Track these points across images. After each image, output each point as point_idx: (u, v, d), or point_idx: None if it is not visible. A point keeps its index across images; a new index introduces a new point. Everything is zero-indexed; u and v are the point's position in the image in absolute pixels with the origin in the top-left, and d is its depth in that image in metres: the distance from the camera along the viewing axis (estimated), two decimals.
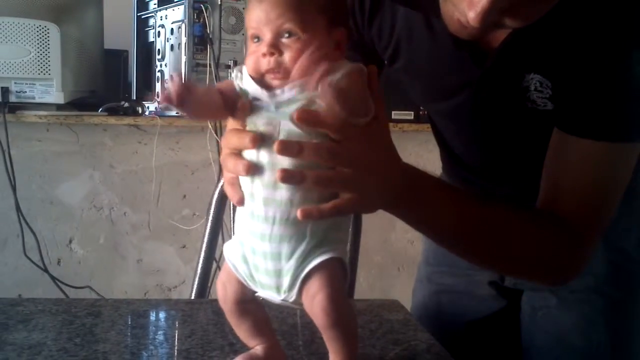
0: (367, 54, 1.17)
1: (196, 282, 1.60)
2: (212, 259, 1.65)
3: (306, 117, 0.82)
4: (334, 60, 0.87)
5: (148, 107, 2.69)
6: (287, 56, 0.86)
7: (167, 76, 2.62)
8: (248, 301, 0.94)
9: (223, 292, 0.94)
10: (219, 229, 1.66)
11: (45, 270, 2.65)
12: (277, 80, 0.87)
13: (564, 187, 1.04)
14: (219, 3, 2.53)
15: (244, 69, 0.89)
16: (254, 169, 0.86)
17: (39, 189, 2.73)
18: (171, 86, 0.84)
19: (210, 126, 2.52)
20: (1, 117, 2.52)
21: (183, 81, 0.84)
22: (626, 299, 1.24)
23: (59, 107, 2.60)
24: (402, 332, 1.22)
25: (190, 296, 1.61)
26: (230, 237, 0.94)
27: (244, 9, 2.51)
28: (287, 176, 0.83)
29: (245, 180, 0.88)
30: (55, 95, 2.54)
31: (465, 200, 1.03)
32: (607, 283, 1.22)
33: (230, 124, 0.89)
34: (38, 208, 2.71)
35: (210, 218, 1.66)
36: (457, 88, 1.13)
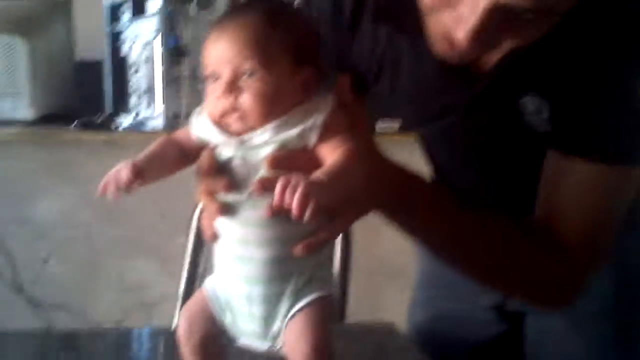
0: (353, 73, 1.11)
1: (178, 307, 1.54)
2: (195, 280, 1.61)
3: (281, 164, 0.80)
4: (300, 101, 0.83)
5: (122, 123, 2.63)
6: (245, 97, 0.81)
7: (141, 88, 2.57)
8: (213, 340, 0.88)
9: (187, 327, 0.88)
10: (201, 247, 1.62)
11: (21, 290, 2.59)
12: (235, 123, 0.82)
13: (559, 209, 1.01)
14: (194, 15, 2.49)
15: (202, 116, 0.85)
16: (226, 211, 0.83)
17: (11, 208, 2.65)
18: (121, 178, 0.81)
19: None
20: None
21: (131, 171, 0.81)
22: (636, 322, 1.20)
23: (29, 123, 2.53)
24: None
25: (173, 322, 1.55)
26: (211, 256, 0.90)
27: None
28: (276, 211, 0.78)
29: (222, 221, 0.84)
30: (25, 110, 2.48)
31: (461, 207, 1.01)
32: (617, 306, 1.19)
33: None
34: (11, 227, 2.64)
35: (192, 235, 1.62)
36: (445, 110, 1.08)
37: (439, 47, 0.95)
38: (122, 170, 0.81)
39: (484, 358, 1.32)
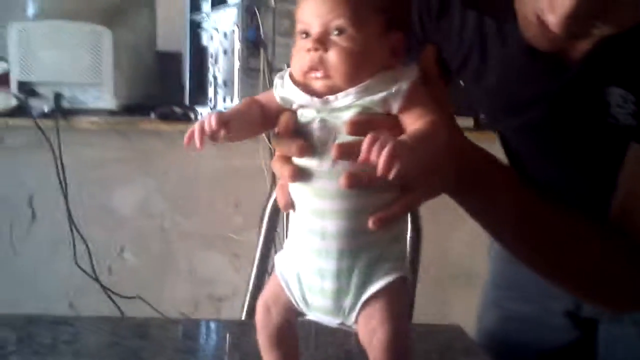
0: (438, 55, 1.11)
1: (247, 300, 1.56)
2: (265, 273, 1.61)
3: (362, 128, 0.77)
4: (386, 67, 0.81)
5: (201, 113, 2.65)
6: (332, 54, 0.80)
7: (220, 81, 2.59)
8: (289, 329, 0.87)
9: (266, 316, 0.86)
10: (272, 241, 1.62)
11: (96, 279, 2.64)
12: (319, 81, 0.81)
13: (637, 205, 0.98)
14: (273, 6, 2.48)
15: (286, 75, 0.83)
16: (300, 176, 0.80)
17: (91, 196, 2.71)
18: (206, 126, 0.78)
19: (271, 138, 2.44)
20: (53, 122, 2.50)
21: (217, 121, 0.78)
22: None
23: (111, 112, 2.58)
24: None
25: (242, 313, 1.57)
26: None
27: None
28: (355, 181, 0.77)
29: (296, 190, 0.83)
30: (107, 100, 2.53)
31: (535, 194, 0.98)
32: None
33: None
34: (90, 215, 2.69)
35: (264, 229, 1.62)
36: (532, 102, 1.06)
37: (529, 31, 0.93)
38: (207, 119, 0.79)
39: None
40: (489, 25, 1.05)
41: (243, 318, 1.51)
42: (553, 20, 0.85)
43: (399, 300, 0.81)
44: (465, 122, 2.46)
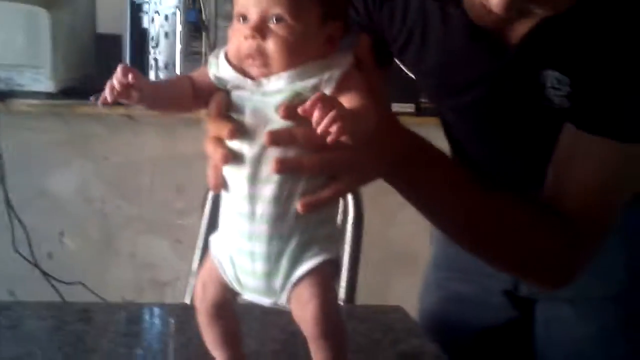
0: (375, 42, 1.12)
1: (191, 284, 1.55)
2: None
3: (294, 113, 0.77)
4: (321, 55, 0.83)
5: None
6: (270, 42, 0.80)
7: (160, 64, 2.57)
8: (226, 305, 0.89)
9: (202, 292, 0.89)
10: (215, 225, 1.62)
11: (36, 265, 2.62)
12: (256, 67, 0.82)
13: (570, 185, 1.01)
14: None
15: (221, 55, 0.84)
16: (231, 159, 0.81)
17: (29, 180, 2.67)
18: (114, 78, 0.79)
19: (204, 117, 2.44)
20: None
21: (127, 73, 0.79)
22: None
23: (49, 95, 2.53)
24: (407, 341, 1.19)
25: (185, 297, 1.57)
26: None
27: None
28: (284, 166, 0.79)
29: (227, 173, 0.83)
30: (45, 83, 2.49)
31: (468, 178, 1.00)
32: (628, 292, 1.18)
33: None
34: (28, 200, 2.66)
35: (206, 214, 1.62)
36: (472, 83, 1.09)
37: (474, 12, 0.95)
38: (117, 73, 0.79)
39: (492, 343, 1.31)
40: (432, 7, 1.06)
41: (187, 302, 1.51)
42: (495, 1, 0.87)
43: (327, 280, 0.84)
44: (406, 107, 2.50)
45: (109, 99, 0.79)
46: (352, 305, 1.47)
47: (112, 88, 0.79)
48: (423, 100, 2.51)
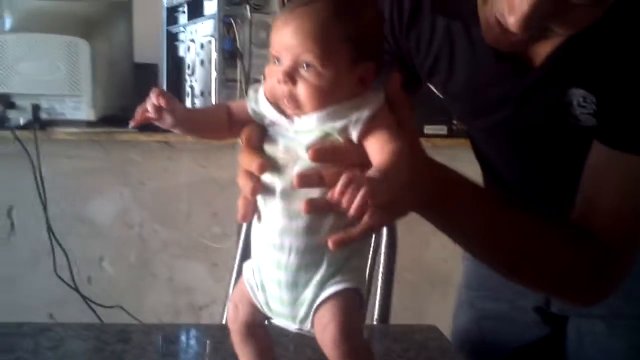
0: (404, 67, 1.14)
1: (226, 305, 1.57)
2: None
3: (322, 156, 0.80)
4: (353, 95, 0.83)
5: None
6: (300, 88, 0.82)
7: (196, 91, 2.61)
8: (257, 326, 0.91)
9: (234, 313, 0.91)
10: (250, 248, 1.63)
11: (76, 289, 2.64)
12: (290, 110, 0.84)
13: (600, 203, 1.01)
14: (249, 17, 2.50)
15: (260, 90, 0.86)
16: (261, 192, 0.83)
17: (70, 207, 2.71)
18: (148, 101, 0.82)
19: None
20: (32, 134, 2.51)
21: (159, 96, 0.82)
22: None
23: (89, 123, 2.59)
24: (441, 359, 1.18)
25: (222, 319, 1.58)
26: None
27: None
28: (314, 207, 0.80)
29: (260, 208, 0.85)
30: (85, 111, 2.54)
31: (498, 204, 1.01)
32: None
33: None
34: (69, 226, 2.69)
35: (242, 237, 1.63)
36: (498, 103, 1.10)
37: (491, 34, 0.96)
38: (151, 96, 0.83)
39: (525, 359, 1.31)
40: (457, 30, 1.08)
41: (223, 323, 1.52)
42: (512, 21, 0.88)
43: (349, 305, 0.84)
44: (438, 130, 2.51)
45: (137, 118, 0.83)
46: (386, 325, 1.48)
47: (144, 110, 0.83)
48: (455, 122, 2.51)
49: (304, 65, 0.82)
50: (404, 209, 0.90)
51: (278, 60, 0.83)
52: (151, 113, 0.83)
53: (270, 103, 0.85)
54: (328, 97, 0.82)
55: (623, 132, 0.99)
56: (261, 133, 0.86)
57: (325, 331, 0.83)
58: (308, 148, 0.81)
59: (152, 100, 0.83)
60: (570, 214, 1.03)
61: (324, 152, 0.80)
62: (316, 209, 0.80)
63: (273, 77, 0.84)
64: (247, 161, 0.84)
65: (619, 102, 0.98)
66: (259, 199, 0.85)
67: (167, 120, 0.84)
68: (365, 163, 0.80)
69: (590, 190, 1.02)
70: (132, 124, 0.84)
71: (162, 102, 0.83)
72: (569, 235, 1.01)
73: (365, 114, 0.82)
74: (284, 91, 0.83)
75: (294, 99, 0.82)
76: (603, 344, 1.21)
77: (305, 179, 0.80)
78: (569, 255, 1.01)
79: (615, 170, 1.00)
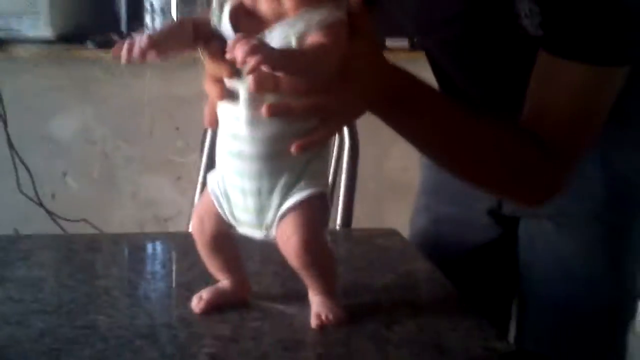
0: None
1: (192, 220, 1.59)
2: None
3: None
4: (318, 3, 0.84)
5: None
6: None
7: (156, 8, 2.58)
8: (224, 236, 0.93)
9: (200, 225, 0.93)
10: (214, 161, 1.65)
11: (40, 204, 2.66)
12: (268, 2, 0.84)
13: (547, 108, 1.04)
14: None
15: (225, 10, 0.86)
16: (227, 97, 0.85)
17: (31, 125, 2.71)
18: (136, 46, 0.81)
19: (202, 58, 2.44)
20: None
21: (148, 42, 0.81)
22: (626, 225, 1.23)
23: (47, 42, 2.56)
24: (401, 260, 1.22)
25: (188, 228, 1.61)
26: None
27: None
28: (274, 110, 0.82)
29: (221, 117, 0.87)
30: (43, 29, 2.51)
31: (455, 107, 1.02)
32: (607, 209, 1.22)
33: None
34: (31, 143, 2.69)
35: (205, 151, 1.65)
36: (449, 19, 1.12)
37: None
38: (139, 40, 0.81)
39: (479, 259, 1.35)
40: None
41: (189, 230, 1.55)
42: None
43: (314, 212, 0.88)
44: (400, 43, 2.53)
45: (124, 60, 0.81)
46: (348, 229, 1.53)
47: (131, 51, 0.81)
48: None
49: None
50: (358, 109, 0.92)
51: None
52: (137, 56, 0.81)
53: (233, 26, 0.85)
54: None
55: (565, 40, 1.01)
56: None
57: (288, 243, 0.87)
58: None
59: (142, 46, 0.80)
60: (519, 121, 1.06)
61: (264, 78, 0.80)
62: (276, 111, 0.82)
63: None
64: (216, 68, 0.85)
65: (561, 11, 1.00)
66: (222, 107, 0.87)
67: (150, 57, 0.82)
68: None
69: (537, 97, 1.05)
70: (114, 54, 0.82)
71: (150, 48, 0.81)
72: (519, 136, 1.03)
73: (316, 18, 0.83)
74: None
75: None
76: (552, 242, 1.25)
77: (260, 82, 0.80)
78: (519, 155, 1.03)
79: (561, 77, 1.02)
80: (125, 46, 0.81)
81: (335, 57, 0.83)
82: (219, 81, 0.86)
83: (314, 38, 0.82)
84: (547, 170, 1.04)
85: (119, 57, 0.82)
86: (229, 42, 0.78)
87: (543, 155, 1.03)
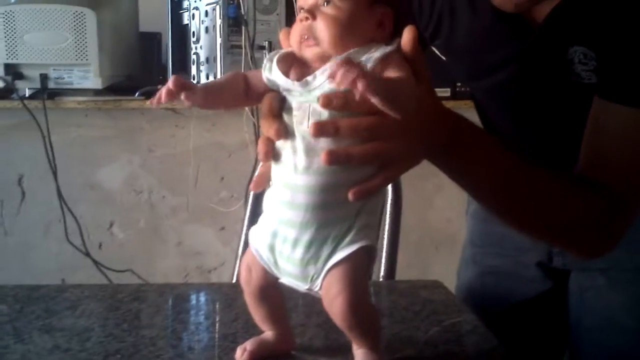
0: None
1: (237, 265, 1.60)
2: None
3: (332, 101, 0.79)
4: (372, 38, 0.86)
5: None
6: (319, 21, 0.85)
7: (202, 59, 2.62)
8: (270, 287, 0.93)
9: (247, 275, 0.93)
10: (258, 211, 1.65)
11: (87, 254, 2.68)
12: (309, 48, 0.85)
13: (604, 156, 1.02)
14: None
15: (274, 59, 0.88)
16: (270, 158, 0.85)
17: (79, 174, 2.75)
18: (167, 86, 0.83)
19: (246, 108, 2.50)
20: (41, 103, 2.54)
21: (174, 83, 0.83)
22: None
23: (96, 92, 2.62)
24: (445, 313, 1.21)
25: (232, 279, 1.62)
26: None
27: None
28: (334, 157, 0.80)
29: (275, 167, 0.87)
30: (93, 80, 2.56)
31: (511, 155, 1.00)
32: None
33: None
34: (79, 193, 2.73)
35: (250, 200, 1.66)
36: (500, 64, 1.12)
37: None
38: (169, 82, 0.84)
39: (528, 314, 1.34)
40: None
41: (234, 282, 1.56)
42: None
43: (360, 267, 0.87)
44: (442, 92, 2.53)
45: (157, 100, 0.84)
46: (392, 281, 1.51)
47: (161, 95, 0.84)
48: (458, 84, 2.52)
49: (325, 2, 0.85)
50: (418, 156, 0.89)
51: (302, 9, 0.86)
52: (166, 99, 0.84)
53: (283, 72, 0.86)
54: (345, 31, 0.84)
55: (623, 86, 1.00)
56: (282, 101, 0.87)
57: (334, 304, 0.86)
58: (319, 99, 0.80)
59: (169, 86, 0.83)
60: (575, 169, 1.04)
61: (333, 97, 0.79)
62: (336, 159, 0.80)
63: (297, 22, 0.86)
64: (266, 127, 0.86)
65: (617, 57, 0.99)
66: (274, 160, 0.86)
67: (187, 102, 0.85)
68: (380, 113, 0.79)
69: (594, 144, 1.03)
70: (152, 104, 0.85)
71: (176, 90, 0.83)
72: (577, 186, 1.01)
73: (375, 54, 0.83)
74: (304, 28, 0.85)
75: (313, 34, 0.85)
76: (604, 296, 1.23)
77: (320, 127, 0.80)
78: (578, 206, 1.01)
79: (617, 124, 1.01)
80: (158, 93, 0.84)
81: (415, 92, 0.83)
82: (269, 140, 0.86)
83: (389, 73, 0.82)
84: (606, 220, 1.02)
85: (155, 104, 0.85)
86: (332, 64, 0.78)
87: (599, 202, 1.01)
